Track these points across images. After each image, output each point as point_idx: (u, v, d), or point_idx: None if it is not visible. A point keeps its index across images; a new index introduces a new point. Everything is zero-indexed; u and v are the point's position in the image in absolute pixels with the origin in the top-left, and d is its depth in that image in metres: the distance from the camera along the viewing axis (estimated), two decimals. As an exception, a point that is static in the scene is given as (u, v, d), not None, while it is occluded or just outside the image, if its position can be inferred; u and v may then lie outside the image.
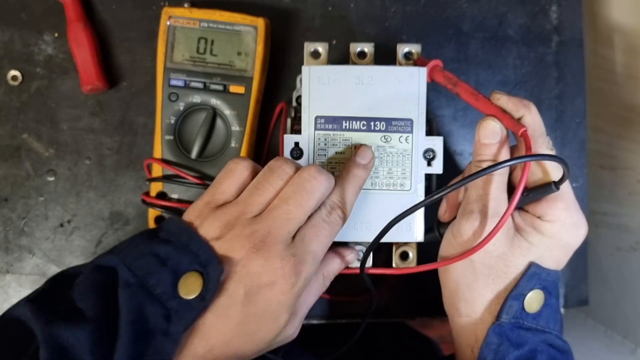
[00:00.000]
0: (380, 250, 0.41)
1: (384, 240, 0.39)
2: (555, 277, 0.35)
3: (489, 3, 0.48)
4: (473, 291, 0.35)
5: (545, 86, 0.49)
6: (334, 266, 0.36)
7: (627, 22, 0.58)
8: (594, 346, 0.60)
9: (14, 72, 0.46)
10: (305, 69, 0.38)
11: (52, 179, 0.47)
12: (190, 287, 0.28)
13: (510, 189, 0.35)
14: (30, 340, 0.27)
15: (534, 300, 0.34)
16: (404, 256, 0.40)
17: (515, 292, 0.33)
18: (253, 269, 0.30)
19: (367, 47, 0.40)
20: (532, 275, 0.34)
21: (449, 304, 0.37)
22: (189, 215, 0.32)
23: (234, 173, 0.33)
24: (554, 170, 0.34)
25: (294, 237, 0.31)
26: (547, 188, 0.33)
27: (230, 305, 0.29)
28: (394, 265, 0.40)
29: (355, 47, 0.40)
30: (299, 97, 0.41)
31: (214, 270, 0.29)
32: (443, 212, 0.39)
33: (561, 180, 0.33)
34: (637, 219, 0.57)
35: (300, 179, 0.32)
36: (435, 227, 0.40)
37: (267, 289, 0.30)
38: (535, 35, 0.48)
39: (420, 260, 0.38)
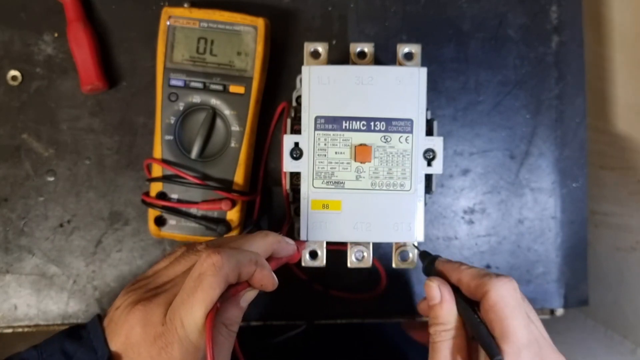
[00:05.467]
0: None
1: (384, 240, 0.39)
2: None
3: (489, 3, 0.48)
4: None
5: (545, 86, 0.49)
6: (233, 312, 0.33)
7: (627, 22, 0.58)
8: (594, 346, 0.60)
9: (13, 72, 0.46)
10: (305, 69, 0.38)
11: (51, 179, 0.47)
12: None
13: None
14: None
15: None
16: (405, 256, 0.40)
17: None
18: (134, 339, 0.31)
19: (367, 47, 0.40)
20: None
21: None
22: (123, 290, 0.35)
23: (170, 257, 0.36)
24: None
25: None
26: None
27: None
28: (393, 265, 0.40)
29: (355, 47, 0.40)
30: (299, 97, 0.41)
31: None
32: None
33: None
34: (637, 219, 0.57)
35: (201, 272, 0.31)
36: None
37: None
38: (535, 35, 0.48)
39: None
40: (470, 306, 0.33)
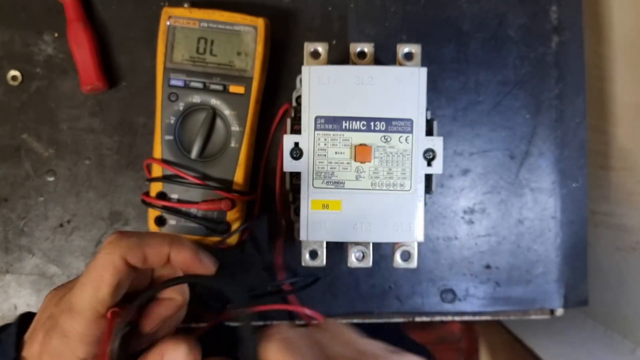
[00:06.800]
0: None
1: (384, 240, 0.39)
2: None
3: (489, 3, 0.48)
4: None
5: (545, 86, 0.49)
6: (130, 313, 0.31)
7: (627, 22, 0.58)
8: (594, 346, 0.60)
9: (13, 72, 0.46)
10: (305, 69, 0.38)
11: (51, 179, 0.47)
12: None
13: None
14: None
15: None
16: (405, 256, 0.40)
17: None
18: (37, 322, 0.31)
19: (367, 47, 0.40)
20: None
21: None
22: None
23: None
24: None
25: None
26: None
27: None
28: (394, 265, 0.40)
29: (355, 47, 0.40)
30: (299, 97, 0.41)
31: None
32: None
33: None
34: (637, 219, 0.57)
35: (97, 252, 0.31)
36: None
37: None
38: (535, 35, 0.48)
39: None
40: None
